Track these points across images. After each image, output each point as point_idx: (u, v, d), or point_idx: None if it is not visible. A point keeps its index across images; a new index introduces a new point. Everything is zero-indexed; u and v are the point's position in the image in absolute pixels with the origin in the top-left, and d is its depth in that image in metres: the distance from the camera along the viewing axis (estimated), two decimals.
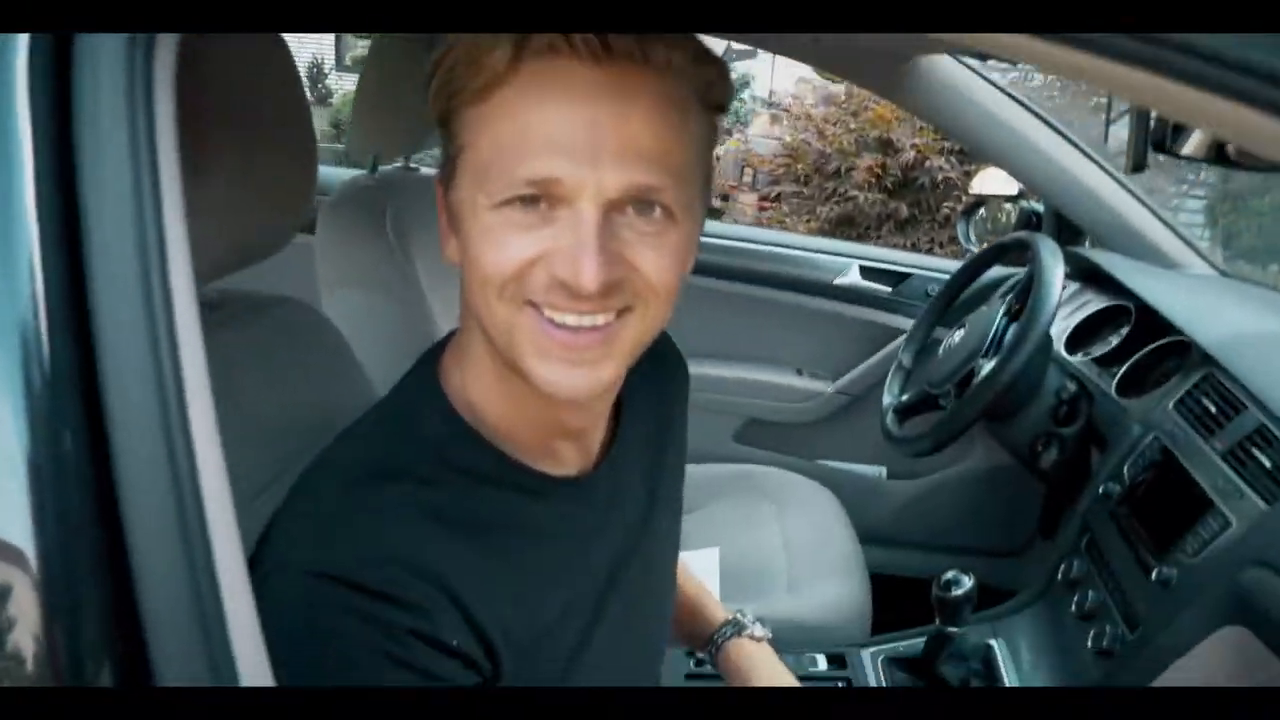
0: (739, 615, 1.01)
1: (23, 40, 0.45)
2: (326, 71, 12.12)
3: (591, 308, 0.60)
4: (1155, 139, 0.87)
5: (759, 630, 1.01)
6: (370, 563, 0.59)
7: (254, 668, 0.48)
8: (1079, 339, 1.69)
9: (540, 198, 0.58)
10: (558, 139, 0.56)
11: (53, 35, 0.45)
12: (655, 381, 0.85)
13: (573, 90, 0.56)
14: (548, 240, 0.58)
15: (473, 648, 0.62)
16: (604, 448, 0.77)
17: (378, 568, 0.59)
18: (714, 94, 0.63)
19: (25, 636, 0.45)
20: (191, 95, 0.65)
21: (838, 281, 2.10)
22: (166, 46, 0.47)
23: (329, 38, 12.43)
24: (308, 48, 11.55)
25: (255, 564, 0.63)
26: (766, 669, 0.97)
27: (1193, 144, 0.88)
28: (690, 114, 0.61)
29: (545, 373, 0.61)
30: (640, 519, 0.80)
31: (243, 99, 0.72)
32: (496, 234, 0.59)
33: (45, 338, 0.45)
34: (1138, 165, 0.93)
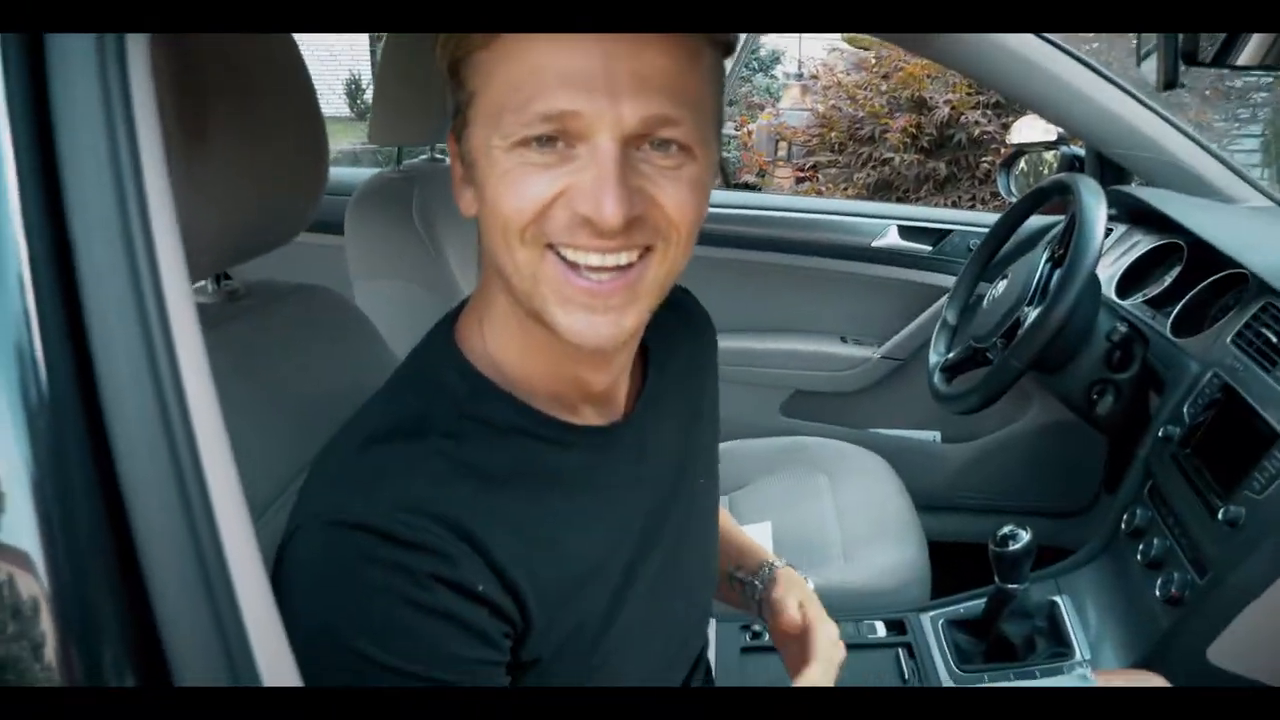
0: (786, 563, 0.99)
1: None
2: (364, 86, 12.30)
3: (615, 245, 0.59)
4: (1186, 50, 0.82)
5: (802, 574, 0.99)
6: (391, 511, 0.59)
7: (274, 667, 0.47)
8: (1131, 281, 1.63)
9: (557, 135, 0.57)
10: (573, 73, 0.56)
11: (25, 35, 0.45)
12: (683, 339, 0.84)
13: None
14: (567, 177, 0.58)
15: (499, 595, 0.61)
16: (630, 400, 0.76)
17: (399, 516, 0.58)
18: (726, 40, 0.63)
19: (39, 646, 0.46)
20: (190, 81, 0.65)
21: (876, 244, 2.06)
22: (139, 42, 0.46)
23: (365, 53, 12.62)
24: (344, 64, 11.73)
25: (287, 524, 0.63)
26: (803, 593, 0.94)
27: (1243, 52, 0.83)
28: (701, 50, 0.61)
29: (569, 321, 0.61)
30: (673, 475, 0.80)
31: (239, 85, 0.72)
32: (514, 175, 0.58)
33: (40, 348, 0.45)
34: (1170, 82, 0.88)
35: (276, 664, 0.47)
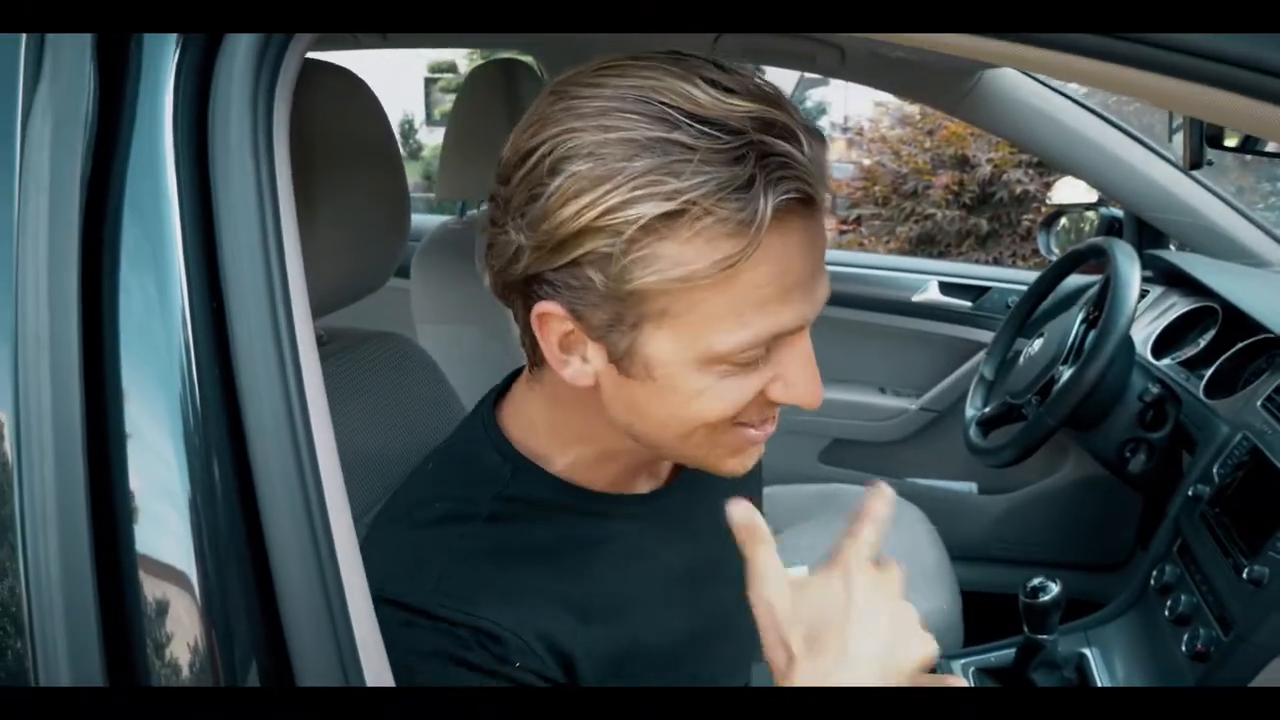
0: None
1: (172, 56, 0.51)
2: (417, 127, 12.60)
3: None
4: (1211, 135, 0.88)
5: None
6: (433, 595, 0.61)
7: (377, 672, 0.53)
8: (1166, 342, 1.67)
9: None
10: (794, 292, 0.57)
11: (203, 41, 0.50)
12: None
13: (799, 243, 0.56)
14: (767, 376, 0.59)
15: (542, 668, 0.62)
16: (675, 471, 0.78)
17: (440, 599, 0.61)
18: None
19: (187, 644, 0.51)
20: (292, 140, 0.73)
21: (917, 298, 2.11)
22: (292, 59, 0.52)
23: (418, 94, 12.93)
24: (397, 104, 12.04)
25: None
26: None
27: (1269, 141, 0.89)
28: None
29: (735, 464, 0.65)
30: (720, 534, 0.82)
31: (338, 143, 0.80)
32: (716, 388, 0.59)
33: (195, 378, 0.50)
34: (1195, 162, 0.94)
35: (378, 669, 0.54)
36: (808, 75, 2.21)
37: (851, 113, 7.09)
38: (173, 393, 0.50)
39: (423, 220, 2.05)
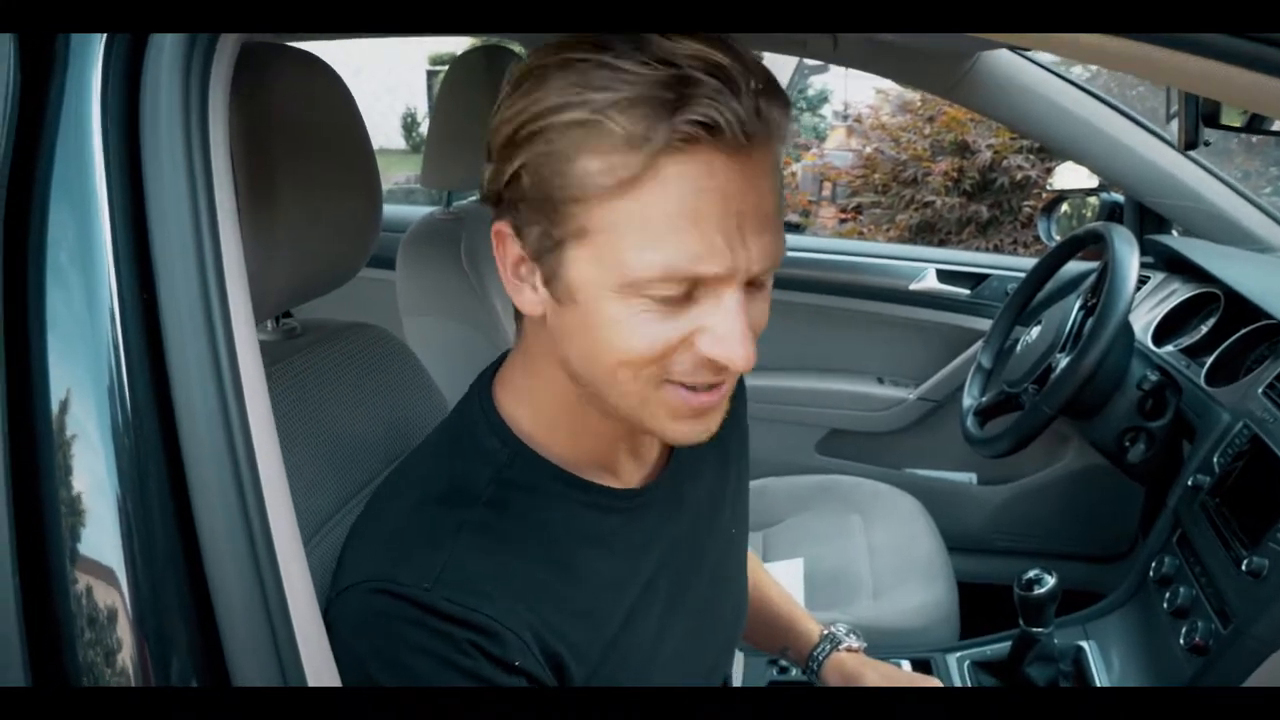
0: (834, 630, 1.02)
1: (99, 53, 0.50)
2: (419, 120, 12.58)
3: (726, 378, 0.63)
4: (1207, 114, 0.85)
5: (855, 642, 1.01)
6: (437, 587, 0.60)
7: (320, 670, 0.52)
8: (1167, 329, 1.64)
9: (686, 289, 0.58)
10: (713, 233, 0.56)
11: (127, 40, 0.49)
12: None
13: (720, 183, 0.56)
14: (690, 323, 0.59)
15: (537, 668, 0.63)
16: (663, 457, 0.79)
17: (444, 592, 0.60)
18: (791, 135, 0.63)
19: (118, 644, 0.50)
20: (255, 133, 0.71)
21: (914, 287, 2.09)
22: (225, 53, 0.51)
23: (421, 87, 12.92)
24: (400, 98, 12.03)
25: (333, 578, 0.67)
26: (867, 675, 0.97)
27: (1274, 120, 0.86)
28: (779, 160, 0.62)
29: (676, 429, 0.65)
30: (706, 527, 0.82)
31: (301, 132, 0.77)
32: (634, 321, 0.59)
33: (126, 378, 0.49)
34: (1191, 143, 0.91)
35: (321, 668, 0.52)
36: (807, 61, 2.18)
37: (852, 100, 7.05)
38: (101, 388, 0.49)
39: (419, 212, 2.02)
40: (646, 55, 0.54)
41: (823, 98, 9.09)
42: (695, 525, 0.80)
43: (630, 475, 0.75)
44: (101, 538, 0.49)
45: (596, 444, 0.71)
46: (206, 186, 0.50)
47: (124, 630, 0.49)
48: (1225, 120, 0.86)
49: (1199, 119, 0.88)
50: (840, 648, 1.00)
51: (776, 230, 0.60)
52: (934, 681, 0.96)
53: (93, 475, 0.49)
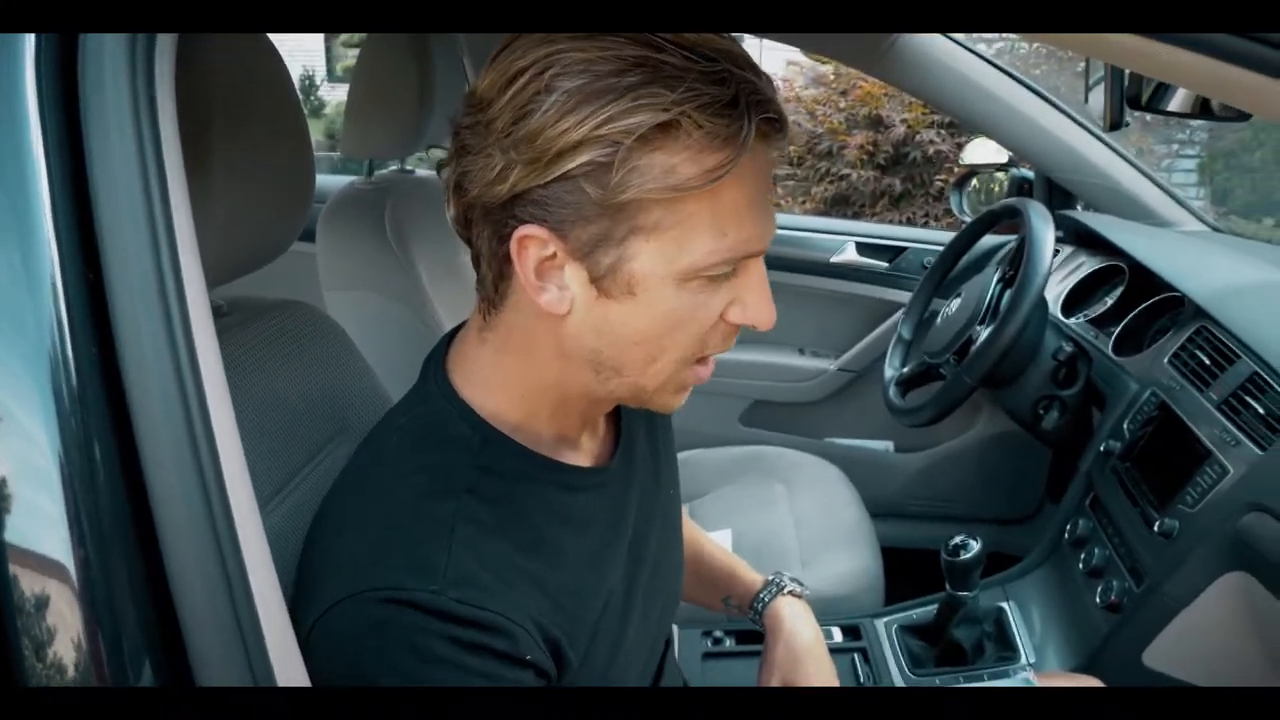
0: (778, 575, 1.05)
1: (29, 49, 0.47)
2: (318, 83, 12.13)
3: None
4: (1131, 95, 0.88)
5: (798, 588, 1.04)
6: (444, 588, 0.59)
7: (288, 668, 0.49)
8: (1075, 301, 1.71)
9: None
10: (764, 213, 0.62)
11: (58, 39, 0.47)
12: None
13: (767, 168, 0.62)
14: (729, 296, 0.63)
15: (542, 657, 0.63)
16: (612, 435, 0.79)
17: (450, 593, 0.59)
18: None
19: (68, 644, 0.47)
20: (188, 103, 0.67)
21: (834, 259, 2.12)
22: (166, 50, 0.49)
23: (319, 50, 12.46)
24: (298, 59, 11.57)
25: (311, 589, 0.63)
26: (808, 623, 1.00)
27: (1173, 100, 0.90)
28: None
29: (674, 402, 0.69)
30: (651, 499, 0.83)
31: (237, 106, 0.74)
32: (695, 304, 0.62)
33: (71, 353, 0.46)
34: (1115, 123, 0.94)
35: (289, 665, 0.50)
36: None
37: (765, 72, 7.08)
38: (42, 371, 0.46)
39: (327, 180, 1.95)
40: (686, 49, 0.56)
41: None
42: (644, 492, 0.82)
43: (588, 450, 0.76)
44: (46, 528, 0.46)
45: (566, 424, 0.72)
46: (156, 154, 0.48)
47: (76, 627, 0.47)
48: (1147, 103, 0.89)
49: (1123, 100, 0.91)
50: (785, 592, 1.02)
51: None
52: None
53: (34, 463, 0.46)
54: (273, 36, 0.80)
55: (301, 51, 11.64)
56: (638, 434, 0.83)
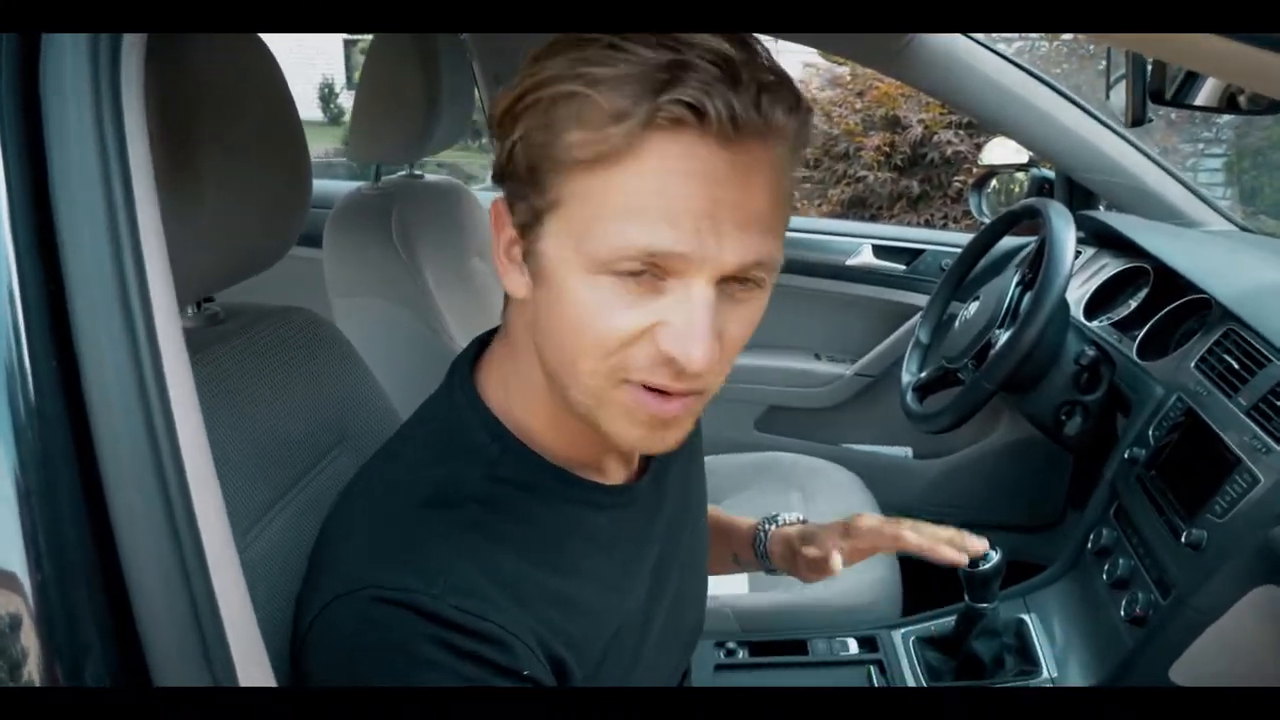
0: (769, 516, 1.02)
1: None
2: (337, 91, 12.21)
3: (688, 386, 0.59)
4: (1153, 89, 0.85)
5: (792, 516, 1.01)
6: (443, 594, 0.58)
7: (251, 669, 0.48)
8: (1098, 304, 1.67)
9: (648, 270, 0.56)
10: (682, 215, 0.54)
11: (18, 39, 0.45)
12: None
13: (699, 168, 0.54)
14: (654, 315, 0.57)
15: (542, 672, 0.61)
16: (644, 456, 0.77)
17: (449, 599, 0.58)
18: (804, 140, 0.61)
19: (26, 658, 0.46)
20: (176, 106, 0.66)
21: (850, 262, 2.09)
22: (134, 50, 0.47)
23: (338, 58, 12.56)
24: (318, 68, 11.66)
25: (314, 587, 0.63)
26: (817, 537, 0.96)
27: (1199, 93, 0.87)
28: (792, 172, 0.61)
29: (631, 435, 0.62)
30: (679, 521, 0.81)
31: (228, 107, 0.72)
32: (598, 304, 0.57)
33: (28, 362, 0.45)
34: (1137, 119, 0.91)
35: (253, 667, 0.48)
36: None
37: None
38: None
39: (342, 187, 1.94)
40: (657, 41, 0.53)
41: None
42: (673, 519, 0.80)
43: (616, 472, 0.74)
44: (3, 544, 0.44)
45: (583, 439, 0.68)
46: (121, 158, 0.46)
47: (28, 640, 0.45)
48: (1171, 97, 0.86)
49: (1146, 95, 0.88)
50: (779, 524, 1.00)
51: (765, 231, 0.57)
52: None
53: None
54: (288, 43, 0.79)
55: (323, 58, 11.74)
56: (673, 457, 0.80)
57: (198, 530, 0.46)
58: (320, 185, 1.98)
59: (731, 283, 0.58)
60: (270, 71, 0.79)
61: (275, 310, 0.92)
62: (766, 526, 1.00)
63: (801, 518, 1.01)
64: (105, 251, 0.45)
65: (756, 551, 1.00)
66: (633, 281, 0.56)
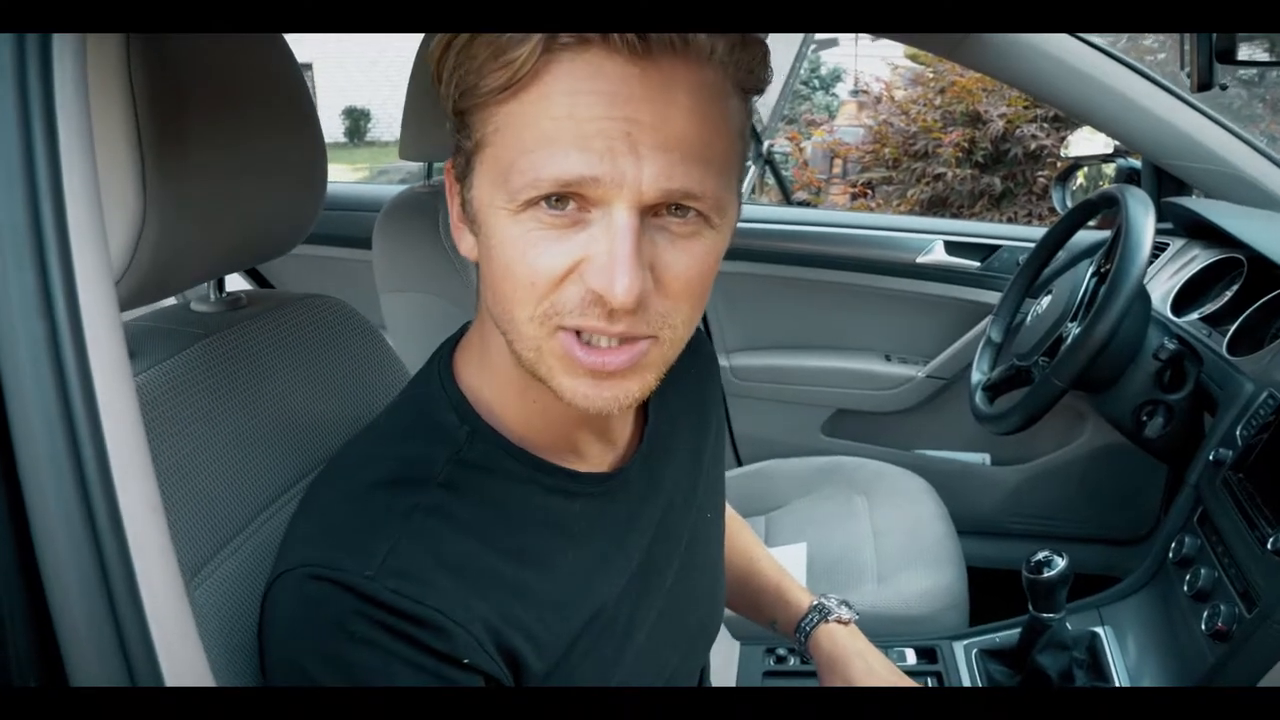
0: (823, 600, 0.98)
1: None
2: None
3: (621, 330, 0.55)
4: (1220, 49, 0.77)
5: (845, 613, 0.97)
6: (382, 576, 0.56)
7: (181, 665, 0.46)
8: (1188, 297, 1.55)
9: (569, 199, 0.53)
10: (593, 138, 0.52)
11: None
12: (686, 374, 0.80)
13: (608, 86, 0.52)
14: (580, 248, 0.54)
15: (489, 663, 0.59)
16: (634, 440, 0.74)
17: (389, 582, 0.56)
18: (754, 79, 0.58)
19: None
20: (169, 89, 0.65)
21: (921, 260, 2.01)
22: (67, 50, 0.47)
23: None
24: (346, 97, 12.10)
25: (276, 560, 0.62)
26: (855, 654, 0.93)
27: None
28: (730, 104, 0.56)
29: (574, 388, 0.58)
30: (677, 512, 0.77)
31: (231, 91, 0.72)
32: (523, 243, 0.54)
33: None
34: (1204, 83, 0.83)
35: (184, 665, 0.46)
36: (818, 35, 2.10)
37: (865, 76, 6.93)
38: None
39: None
40: None
41: (836, 76, 8.99)
42: (669, 510, 0.75)
43: (598, 458, 0.70)
44: None
45: (556, 420, 0.66)
46: (52, 170, 0.45)
47: None
48: (1241, 55, 0.77)
49: (1212, 56, 0.80)
50: (830, 619, 0.96)
51: (694, 159, 0.54)
52: (909, 682, 0.92)
53: None
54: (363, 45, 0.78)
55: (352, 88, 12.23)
56: (674, 447, 0.77)
57: (120, 521, 0.45)
58: (380, 190, 2.01)
59: (664, 214, 0.55)
60: (277, 52, 0.78)
61: (300, 297, 0.92)
62: (814, 618, 0.96)
63: (852, 615, 0.97)
64: (27, 258, 0.44)
65: (797, 635, 0.97)
66: (557, 216, 0.54)
